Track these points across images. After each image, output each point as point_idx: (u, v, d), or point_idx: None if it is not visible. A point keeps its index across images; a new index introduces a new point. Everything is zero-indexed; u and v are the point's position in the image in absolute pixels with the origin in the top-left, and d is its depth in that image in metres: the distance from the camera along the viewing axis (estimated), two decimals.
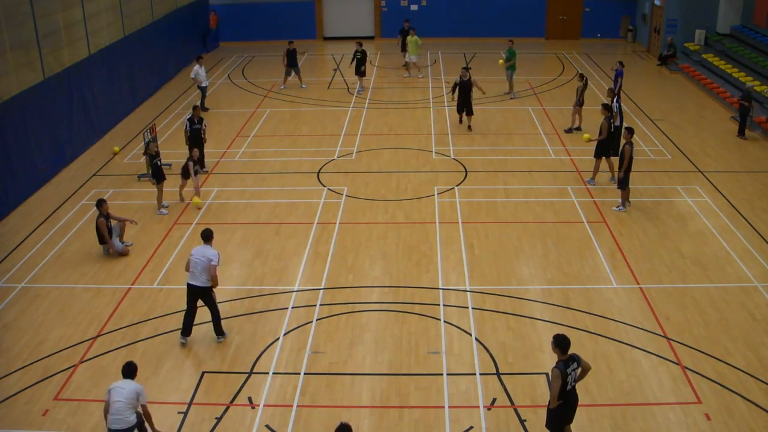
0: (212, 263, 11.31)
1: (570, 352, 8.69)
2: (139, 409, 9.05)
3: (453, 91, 22.11)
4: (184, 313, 11.75)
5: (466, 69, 21.61)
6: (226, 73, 29.54)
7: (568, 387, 8.62)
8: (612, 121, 17.61)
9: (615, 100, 18.72)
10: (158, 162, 16.32)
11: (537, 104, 24.27)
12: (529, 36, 34.74)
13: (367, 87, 26.58)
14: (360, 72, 25.90)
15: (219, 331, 11.83)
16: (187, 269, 11.52)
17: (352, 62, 26.19)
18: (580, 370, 8.75)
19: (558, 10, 34.91)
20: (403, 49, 28.41)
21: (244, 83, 27.93)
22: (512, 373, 10.84)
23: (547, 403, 9.05)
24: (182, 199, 16.92)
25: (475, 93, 21.84)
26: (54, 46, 19.38)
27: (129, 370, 9.19)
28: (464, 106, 21.54)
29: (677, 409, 10.11)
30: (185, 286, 11.58)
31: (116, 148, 20.42)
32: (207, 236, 11.68)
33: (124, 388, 8.97)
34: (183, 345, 11.76)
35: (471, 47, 33.10)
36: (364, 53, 25.85)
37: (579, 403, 8.99)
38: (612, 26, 34.91)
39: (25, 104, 17.62)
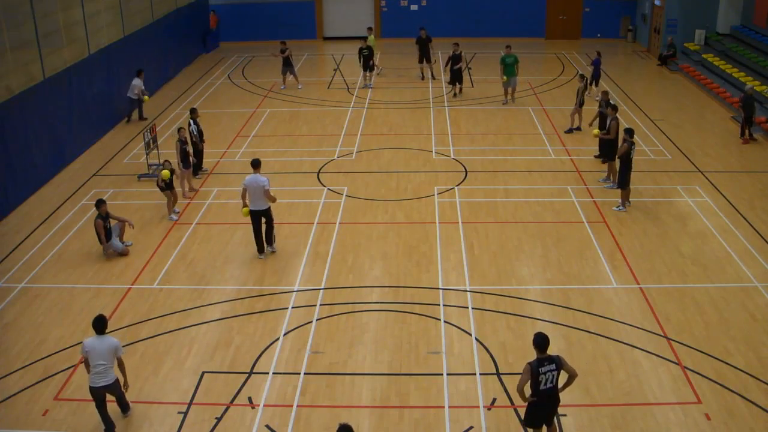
0: (265, 188, 13.79)
1: (558, 353, 8.69)
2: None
3: (447, 64, 25.13)
4: (254, 234, 14.27)
5: (457, 44, 24.86)
6: (226, 73, 29.54)
7: (543, 386, 8.67)
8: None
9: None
10: (186, 148, 17.06)
11: (537, 104, 24.25)
12: (529, 36, 34.76)
13: (370, 85, 26.65)
14: (369, 67, 26.54)
15: (270, 241, 14.41)
16: (243, 197, 14.07)
17: (360, 59, 26.61)
18: (559, 373, 8.73)
19: (558, 10, 34.91)
20: (422, 60, 27.71)
21: (244, 83, 27.94)
22: (512, 373, 10.83)
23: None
24: (191, 189, 17.41)
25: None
26: (54, 46, 19.39)
27: (99, 325, 9.63)
28: (456, 76, 24.75)
29: (677, 409, 10.11)
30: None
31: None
32: (256, 164, 14.14)
33: (102, 349, 9.54)
34: (262, 259, 14.20)
35: (471, 47, 33.08)
36: (370, 49, 26.41)
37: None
38: (612, 26, 34.91)
39: (25, 104, 17.63)
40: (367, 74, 26.84)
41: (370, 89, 26.39)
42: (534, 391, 8.71)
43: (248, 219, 14.06)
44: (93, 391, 9.66)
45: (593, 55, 25.58)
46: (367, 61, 26.39)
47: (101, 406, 9.79)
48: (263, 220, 14.19)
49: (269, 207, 14.06)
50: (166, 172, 15.82)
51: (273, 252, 14.49)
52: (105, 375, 9.58)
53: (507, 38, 34.25)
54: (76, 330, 12.19)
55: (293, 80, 26.94)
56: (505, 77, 23.76)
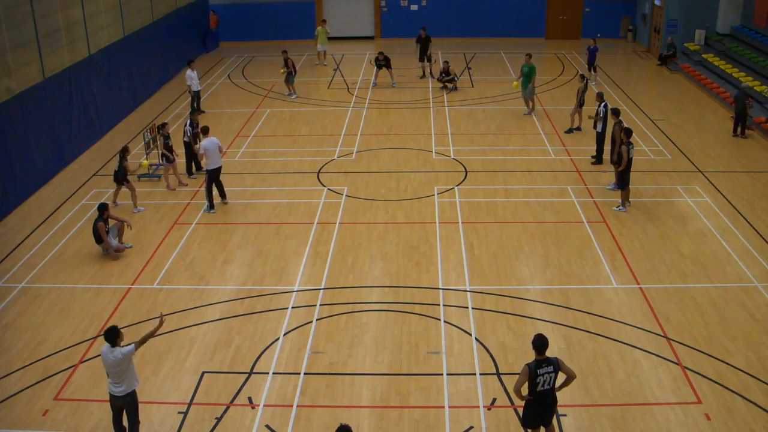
0: (219, 145, 16.40)
1: (558, 353, 8.69)
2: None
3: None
4: (210, 192, 16.26)
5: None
6: (226, 73, 29.54)
7: (540, 388, 8.68)
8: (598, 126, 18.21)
9: (602, 105, 18.69)
10: (169, 143, 17.79)
11: (537, 104, 24.22)
12: (529, 36, 34.77)
13: (376, 84, 26.67)
14: (388, 65, 26.75)
15: (224, 195, 16.72)
16: (201, 159, 16.78)
17: (377, 67, 26.76)
18: (557, 375, 8.74)
19: (558, 10, 34.91)
20: (421, 59, 28.07)
21: (244, 83, 27.93)
22: (512, 373, 10.82)
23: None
24: (180, 183, 18.02)
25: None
26: (54, 46, 19.38)
27: (109, 337, 9.15)
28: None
29: (677, 409, 10.11)
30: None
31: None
32: (207, 130, 16.67)
33: (109, 361, 9.07)
34: (212, 211, 16.27)
35: (471, 47, 33.09)
36: (387, 60, 26.48)
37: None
38: (612, 26, 34.90)
39: (25, 104, 17.63)
40: (391, 71, 26.80)
41: (370, 90, 26.42)
42: (531, 392, 8.74)
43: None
44: (110, 397, 9.33)
45: (602, 61, 26.22)
46: (387, 62, 26.41)
47: (116, 419, 9.40)
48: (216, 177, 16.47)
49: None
50: (146, 162, 17.65)
51: (226, 203, 16.64)
52: (119, 385, 9.18)
53: (507, 38, 34.46)
54: (76, 330, 12.19)
55: (304, 84, 26.56)
56: (520, 86, 22.97)
